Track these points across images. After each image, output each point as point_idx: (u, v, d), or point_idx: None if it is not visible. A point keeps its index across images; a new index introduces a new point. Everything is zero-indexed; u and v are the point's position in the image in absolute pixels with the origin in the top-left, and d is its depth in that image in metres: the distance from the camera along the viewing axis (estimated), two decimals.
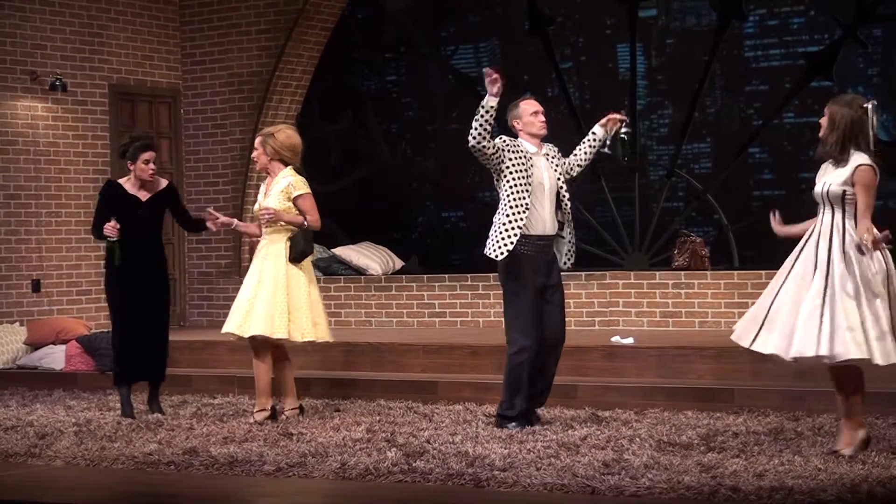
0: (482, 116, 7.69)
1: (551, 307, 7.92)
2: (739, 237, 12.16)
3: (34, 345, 11.59)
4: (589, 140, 8.15)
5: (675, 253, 11.60)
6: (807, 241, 6.83)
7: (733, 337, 6.98)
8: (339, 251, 13.04)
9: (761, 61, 12.75)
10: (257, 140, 8.74)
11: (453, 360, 9.94)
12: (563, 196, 8.01)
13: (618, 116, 8.11)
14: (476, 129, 7.71)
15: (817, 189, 6.79)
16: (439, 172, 13.69)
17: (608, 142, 8.00)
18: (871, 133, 6.73)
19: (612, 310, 11.28)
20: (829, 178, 6.75)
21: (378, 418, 8.51)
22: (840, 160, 6.73)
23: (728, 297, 10.84)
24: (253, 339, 8.55)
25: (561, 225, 8.01)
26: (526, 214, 7.82)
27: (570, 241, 8.09)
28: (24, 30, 12.21)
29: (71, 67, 12.53)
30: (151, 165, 8.98)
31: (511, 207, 7.84)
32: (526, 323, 7.80)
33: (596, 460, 6.68)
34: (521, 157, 7.87)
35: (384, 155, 13.63)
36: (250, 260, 8.98)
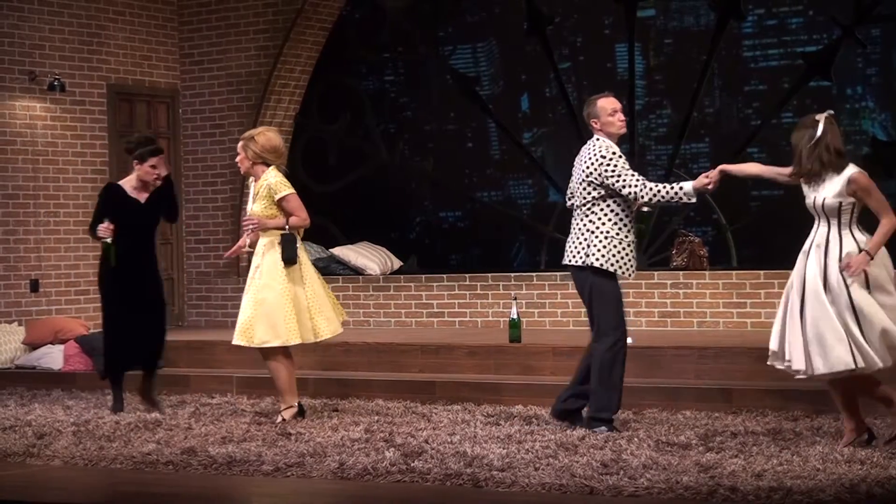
0: (671, 198, 7.60)
1: None
2: (738, 237, 12.16)
3: (32, 345, 11.59)
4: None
5: (673, 253, 11.60)
6: (807, 254, 6.99)
7: (789, 367, 6.91)
8: (338, 251, 13.04)
9: (760, 61, 12.74)
10: (239, 144, 8.68)
11: (451, 360, 9.94)
12: None
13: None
14: (655, 198, 7.58)
15: (810, 202, 6.97)
16: (437, 172, 13.69)
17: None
18: (840, 138, 6.99)
19: None
20: (823, 191, 6.89)
21: (376, 418, 8.51)
22: (826, 176, 6.91)
23: (726, 297, 10.84)
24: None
25: None
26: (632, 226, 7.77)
27: None
28: (23, 30, 12.21)
29: (69, 67, 12.52)
30: (158, 171, 9.02)
31: (622, 220, 7.67)
32: (619, 314, 7.76)
33: (594, 460, 6.68)
34: None
35: (382, 155, 13.63)
36: (248, 260, 8.94)
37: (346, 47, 13.62)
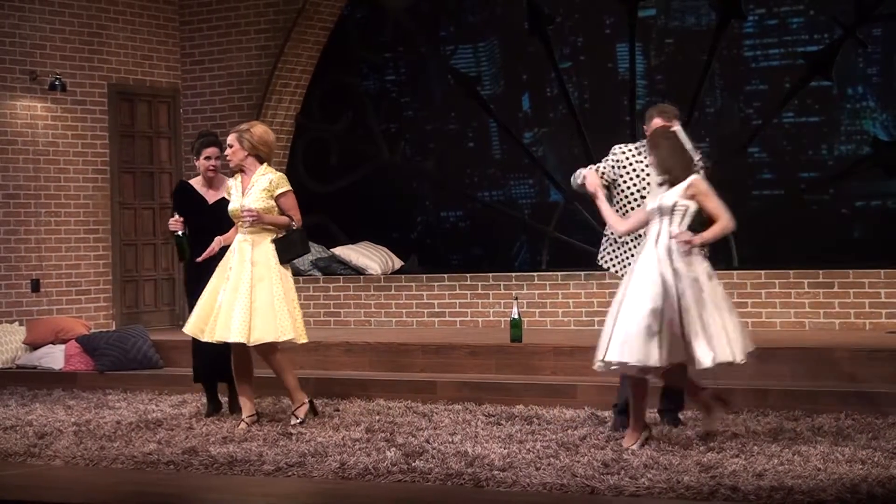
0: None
1: None
2: (738, 237, 12.15)
3: (33, 344, 11.59)
4: None
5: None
6: (644, 252, 7.18)
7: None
8: (339, 251, 13.04)
9: (761, 61, 12.73)
10: (231, 137, 8.53)
11: (452, 359, 9.94)
12: None
13: None
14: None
15: (652, 205, 7.21)
16: (439, 172, 13.68)
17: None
18: (689, 147, 7.26)
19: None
20: (665, 195, 7.17)
21: (377, 418, 8.51)
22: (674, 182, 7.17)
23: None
24: (263, 345, 8.39)
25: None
26: None
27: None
28: (24, 29, 12.21)
29: (70, 67, 12.53)
30: (212, 162, 8.98)
31: None
32: None
33: (595, 460, 6.68)
34: None
35: (383, 155, 13.63)
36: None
37: (348, 47, 13.62)
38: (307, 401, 8.52)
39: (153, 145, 13.30)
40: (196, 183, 9.11)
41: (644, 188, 7.61)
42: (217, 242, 8.57)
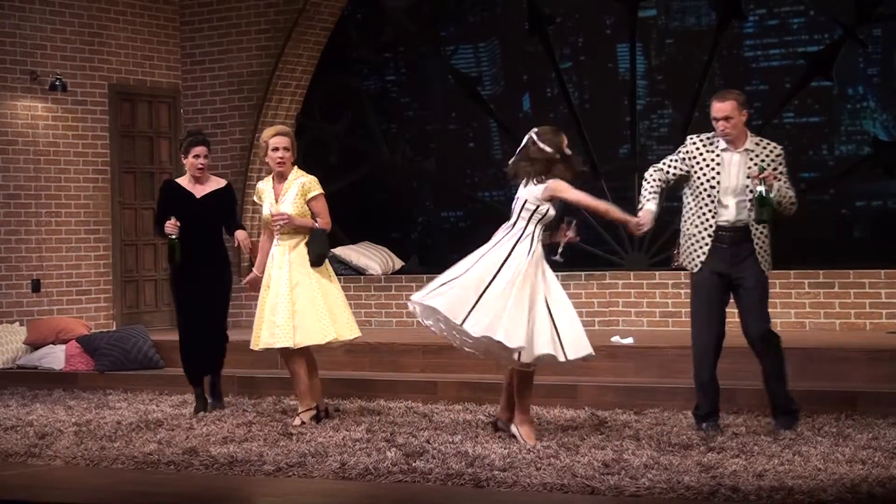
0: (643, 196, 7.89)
1: None
2: None
3: (34, 344, 11.59)
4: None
5: (674, 253, 11.56)
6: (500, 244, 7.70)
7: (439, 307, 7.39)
8: (339, 251, 13.04)
9: (761, 61, 12.74)
10: (286, 140, 8.45)
11: (453, 360, 9.92)
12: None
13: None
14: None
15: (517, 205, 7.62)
16: (439, 172, 13.69)
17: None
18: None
19: (611, 310, 11.29)
20: (524, 194, 7.61)
21: (378, 418, 8.51)
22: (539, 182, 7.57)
23: None
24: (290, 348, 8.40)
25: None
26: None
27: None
28: (24, 30, 12.21)
29: (71, 67, 12.53)
30: (201, 160, 9.06)
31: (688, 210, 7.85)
32: (696, 312, 7.78)
33: (596, 460, 6.68)
34: None
35: (384, 155, 13.63)
36: (250, 260, 8.91)
37: (348, 47, 13.63)
38: (315, 407, 8.49)
39: (154, 145, 13.30)
40: (182, 181, 9.21)
41: (713, 178, 7.57)
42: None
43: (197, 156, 9.06)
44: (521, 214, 7.63)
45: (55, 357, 11.24)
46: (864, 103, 12.46)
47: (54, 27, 12.43)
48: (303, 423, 8.33)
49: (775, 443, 7.11)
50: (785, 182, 7.54)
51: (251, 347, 8.56)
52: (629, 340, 9.87)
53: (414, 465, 6.71)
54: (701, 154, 7.65)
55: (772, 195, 7.38)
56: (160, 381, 10.57)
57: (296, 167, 8.55)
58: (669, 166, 7.75)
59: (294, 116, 13.35)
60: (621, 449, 7.02)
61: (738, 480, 6.09)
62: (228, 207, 9.22)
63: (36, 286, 12.27)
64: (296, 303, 8.31)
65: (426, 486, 6.39)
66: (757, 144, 7.60)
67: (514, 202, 7.69)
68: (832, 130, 12.28)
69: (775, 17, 12.51)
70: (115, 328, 12.38)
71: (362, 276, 12.69)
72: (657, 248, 12.20)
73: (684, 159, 7.70)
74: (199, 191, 9.11)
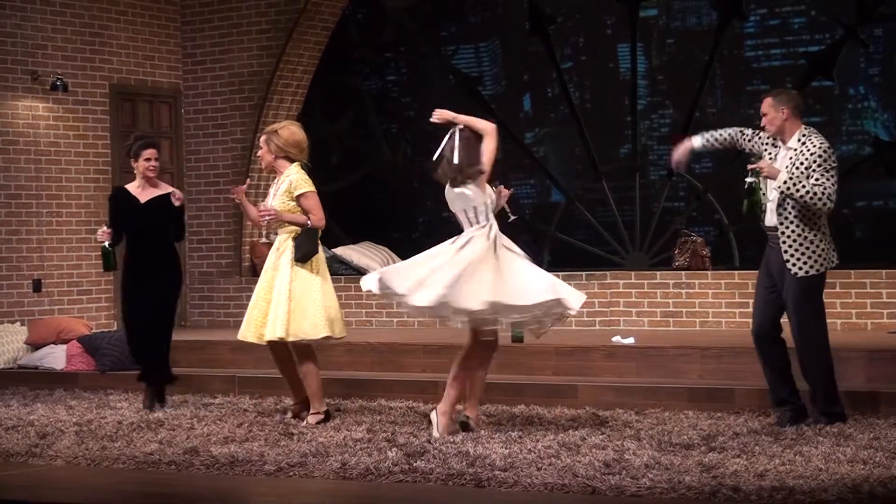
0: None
1: None
2: (740, 237, 12.16)
3: (35, 344, 11.59)
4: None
5: (675, 253, 11.60)
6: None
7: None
8: (340, 251, 13.04)
9: (762, 61, 12.74)
10: (262, 138, 8.63)
11: (454, 360, 9.91)
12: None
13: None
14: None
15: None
16: None
17: None
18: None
19: (612, 310, 11.29)
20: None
21: (379, 418, 8.51)
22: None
23: (729, 296, 10.84)
24: (295, 343, 8.44)
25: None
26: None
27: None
28: (26, 30, 12.22)
29: (72, 67, 12.53)
30: (152, 163, 9.11)
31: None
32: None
33: (597, 460, 6.68)
34: None
35: (385, 155, 13.63)
36: (252, 261, 8.96)
37: (349, 47, 13.63)
38: (324, 411, 8.48)
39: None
40: (131, 186, 9.26)
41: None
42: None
43: (148, 159, 9.12)
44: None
45: (56, 357, 11.23)
46: (865, 103, 12.46)
47: (55, 27, 12.43)
48: (310, 425, 8.27)
49: (776, 443, 7.10)
50: (817, 180, 7.52)
51: (239, 336, 8.59)
52: (630, 340, 9.87)
53: (415, 465, 6.70)
54: (764, 144, 7.75)
55: (776, 186, 7.43)
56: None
57: (295, 164, 8.55)
58: (748, 136, 7.79)
59: (295, 116, 13.33)
60: (622, 449, 7.02)
61: (740, 480, 6.09)
62: (174, 212, 9.19)
63: (37, 286, 12.27)
64: (292, 299, 8.34)
65: (427, 486, 6.39)
66: (801, 143, 7.64)
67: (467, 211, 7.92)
68: (833, 130, 12.27)
69: (776, 16, 12.51)
70: (116, 328, 12.38)
71: (363, 276, 12.67)
72: (658, 248, 12.21)
73: (761, 144, 7.75)
74: (145, 196, 9.16)
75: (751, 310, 10.50)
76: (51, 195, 12.37)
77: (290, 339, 8.35)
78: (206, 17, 13.35)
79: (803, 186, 7.48)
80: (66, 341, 11.36)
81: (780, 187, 7.48)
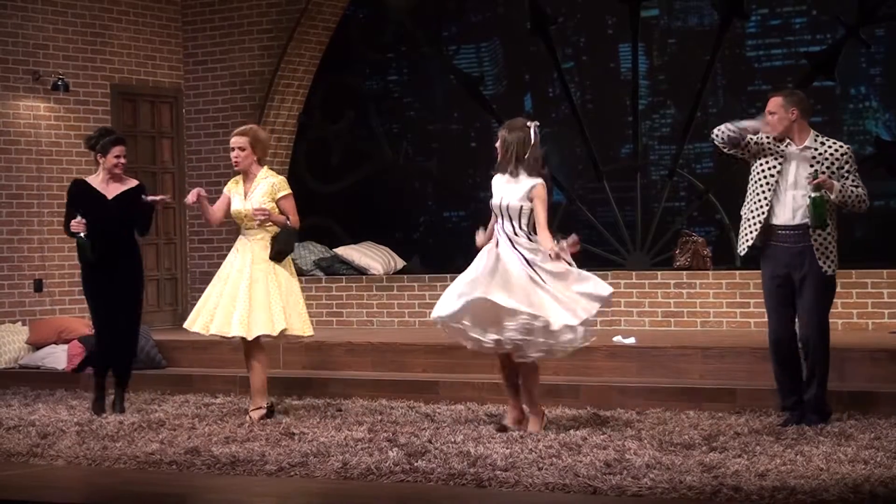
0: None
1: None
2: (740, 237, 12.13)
3: (36, 344, 11.60)
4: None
5: (676, 253, 11.59)
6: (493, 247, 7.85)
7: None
8: (341, 251, 13.04)
9: (763, 61, 12.73)
10: (242, 140, 8.66)
11: (455, 360, 9.92)
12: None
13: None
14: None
15: (495, 202, 7.84)
16: (441, 172, 13.68)
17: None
18: (537, 149, 7.86)
19: (613, 310, 11.26)
20: (506, 194, 7.79)
21: (380, 418, 8.51)
22: (514, 176, 7.84)
23: (730, 296, 10.84)
24: (255, 339, 8.63)
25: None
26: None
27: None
28: (27, 30, 12.22)
29: (73, 67, 12.53)
30: (122, 160, 9.11)
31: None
32: (768, 307, 7.90)
33: (598, 460, 6.68)
34: None
35: (386, 155, 13.63)
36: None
37: (350, 47, 13.62)
38: (266, 406, 8.65)
39: (156, 146, 13.31)
40: (94, 180, 9.20)
41: (774, 167, 7.67)
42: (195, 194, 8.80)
43: (118, 155, 9.09)
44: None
45: (57, 357, 11.24)
46: (867, 103, 12.45)
47: (56, 27, 12.44)
48: (253, 420, 8.44)
49: (777, 443, 7.11)
50: (853, 181, 7.56)
51: (185, 326, 8.78)
52: (631, 340, 9.87)
53: (416, 464, 6.70)
54: (769, 144, 7.73)
55: (832, 197, 7.48)
56: (162, 381, 10.57)
57: (265, 167, 8.74)
58: (759, 138, 7.76)
59: (296, 116, 13.35)
60: (623, 449, 7.02)
61: (741, 480, 6.09)
62: (142, 207, 9.18)
63: (38, 286, 12.27)
64: (254, 296, 8.51)
65: (428, 486, 6.39)
66: (821, 143, 7.66)
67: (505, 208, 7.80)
68: (835, 130, 12.25)
69: (778, 16, 12.50)
70: None
71: (364, 276, 12.69)
72: (659, 248, 12.20)
73: (766, 143, 7.73)
74: (111, 191, 9.14)
75: (752, 309, 10.58)
76: (52, 195, 12.36)
77: (287, 333, 8.62)
78: (208, 17, 13.36)
79: (851, 191, 7.54)
80: (67, 341, 11.36)
81: (836, 196, 7.50)
